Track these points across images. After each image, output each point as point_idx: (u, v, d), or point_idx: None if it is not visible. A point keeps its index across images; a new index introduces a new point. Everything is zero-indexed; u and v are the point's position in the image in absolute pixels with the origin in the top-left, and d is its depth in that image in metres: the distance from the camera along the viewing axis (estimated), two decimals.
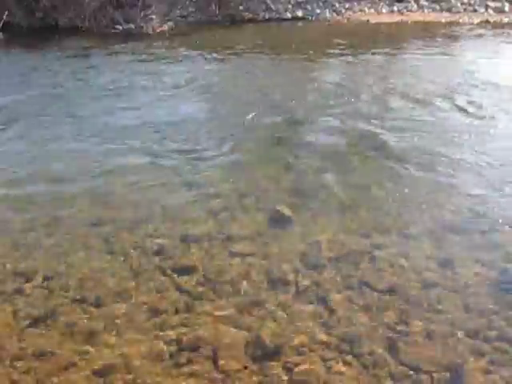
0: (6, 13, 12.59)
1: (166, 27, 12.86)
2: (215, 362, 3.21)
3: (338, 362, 3.17)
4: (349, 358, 3.20)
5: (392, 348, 3.26)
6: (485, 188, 4.96)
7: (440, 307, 3.56)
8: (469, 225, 4.39)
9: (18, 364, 3.26)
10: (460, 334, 3.33)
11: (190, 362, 3.22)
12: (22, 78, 9.40)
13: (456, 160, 5.50)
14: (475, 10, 13.07)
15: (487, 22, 12.29)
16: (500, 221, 4.41)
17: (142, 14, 13.19)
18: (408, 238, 4.29)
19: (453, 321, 3.44)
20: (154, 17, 13.14)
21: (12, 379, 3.15)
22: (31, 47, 11.56)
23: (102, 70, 9.70)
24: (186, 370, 3.17)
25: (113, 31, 12.80)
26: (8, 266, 4.19)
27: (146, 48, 11.27)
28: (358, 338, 3.33)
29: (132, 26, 12.91)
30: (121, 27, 12.93)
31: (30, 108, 7.73)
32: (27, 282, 3.99)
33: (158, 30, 12.68)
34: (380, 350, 3.24)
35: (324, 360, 3.19)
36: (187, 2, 13.76)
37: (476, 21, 12.35)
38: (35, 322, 3.60)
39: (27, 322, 3.59)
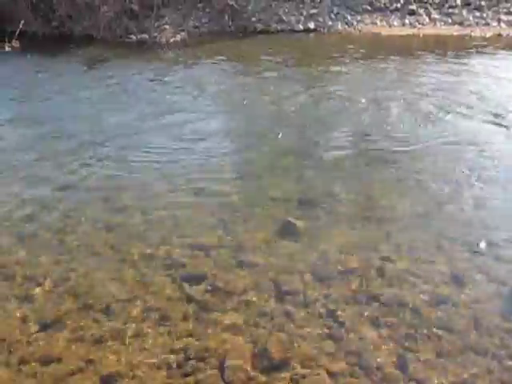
0: (23, 21, 12.84)
1: (179, 37, 13.00)
2: (222, 372, 3.19)
3: (345, 376, 3.14)
4: (356, 371, 3.17)
5: (401, 363, 3.22)
6: (495, 202, 4.91)
7: (450, 323, 3.50)
8: (479, 239, 4.34)
9: (25, 368, 3.29)
10: (470, 351, 3.28)
11: (196, 371, 3.22)
12: (35, 86, 9.54)
13: (470, 175, 5.45)
14: (487, 24, 13.00)
15: (499, 35, 12.23)
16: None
17: (156, 24, 13.36)
18: (418, 252, 4.25)
19: (463, 337, 3.39)
20: (167, 27, 13.30)
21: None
22: (46, 56, 11.76)
23: (116, 79, 9.80)
24: (192, 379, 3.17)
25: (127, 41, 12.97)
26: (17, 271, 4.23)
27: (159, 58, 11.40)
28: (366, 352, 3.29)
29: (146, 36, 13.07)
30: (135, 37, 13.09)
31: (39, 115, 7.86)
32: (36, 287, 4.03)
33: (172, 40, 12.81)
34: (388, 365, 3.20)
35: (331, 373, 3.16)
36: (200, 13, 13.91)
37: (488, 34, 12.29)
38: (43, 327, 3.62)
39: (35, 328, 3.62)
